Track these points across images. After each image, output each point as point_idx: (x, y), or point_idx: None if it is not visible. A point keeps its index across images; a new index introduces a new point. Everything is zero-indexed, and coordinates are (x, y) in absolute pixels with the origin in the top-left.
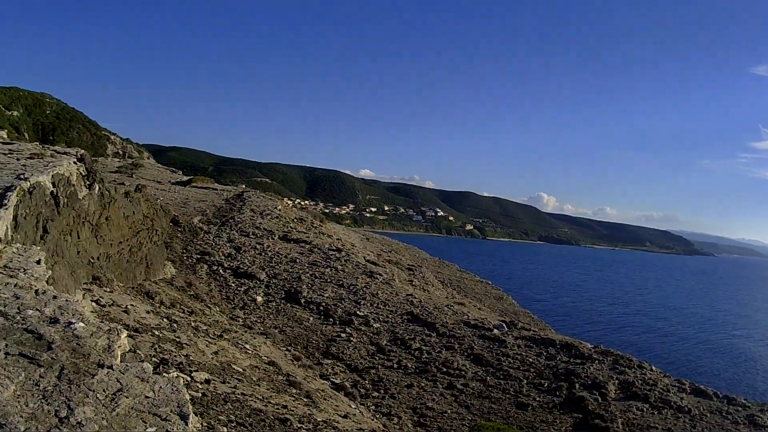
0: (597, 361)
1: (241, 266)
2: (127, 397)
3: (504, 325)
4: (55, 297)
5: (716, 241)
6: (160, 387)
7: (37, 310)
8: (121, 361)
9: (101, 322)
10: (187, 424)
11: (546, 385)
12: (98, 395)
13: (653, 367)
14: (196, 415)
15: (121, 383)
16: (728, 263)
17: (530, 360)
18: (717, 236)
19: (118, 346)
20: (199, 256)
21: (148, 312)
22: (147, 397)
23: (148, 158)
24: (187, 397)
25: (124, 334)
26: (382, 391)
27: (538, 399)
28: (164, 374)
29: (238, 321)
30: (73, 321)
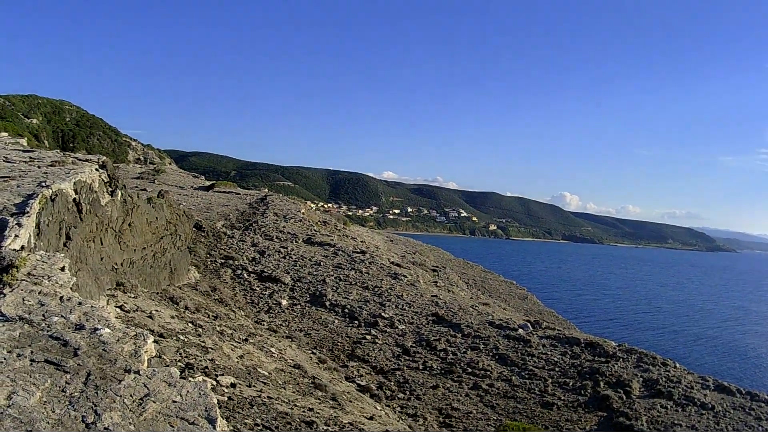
0: (621, 360)
1: (266, 270)
2: (154, 402)
3: (529, 324)
4: (80, 303)
5: (738, 237)
6: (188, 391)
7: (62, 316)
8: (147, 366)
9: (127, 327)
10: (215, 427)
11: (571, 384)
12: (125, 400)
13: (677, 365)
14: (223, 419)
15: (148, 388)
16: (750, 259)
17: (555, 359)
18: (739, 232)
19: (145, 351)
20: (223, 261)
21: (172, 317)
22: (174, 401)
23: (170, 164)
24: (215, 401)
25: (151, 339)
26: (407, 393)
27: (563, 398)
28: (190, 378)
29: (263, 325)
30: (99, 327)
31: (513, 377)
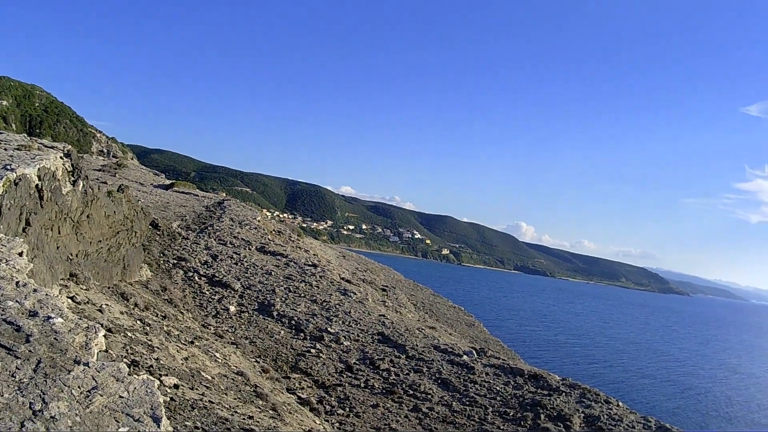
0: (564, 394)
1: (217, 275)
2: (101, 396)
3: (473, 351)
4: (35, 290)
5: (692, 281)
6: (135, 388)
7: (16, 301)
8: (97, 360)
9: (80, 318)
10: (159, 426)
11: (512, 414)
12: (73, 391)
13: (620, 403)
14: (167, 418)
15: (96, 381)
16: (702, 304)
17: (497, 388)
18: (693, 276)
19: (95, 344)
20: (175, 261)
21: (122, 313)
22: (121, 396)
23: (132, 159)
24: (161, 399)
25: (102, 332)
26: (347, 409)
27: (502, 427)
28: (137, 376)
29: (210, 329)
30: (52, 316)
31: (454, 403)
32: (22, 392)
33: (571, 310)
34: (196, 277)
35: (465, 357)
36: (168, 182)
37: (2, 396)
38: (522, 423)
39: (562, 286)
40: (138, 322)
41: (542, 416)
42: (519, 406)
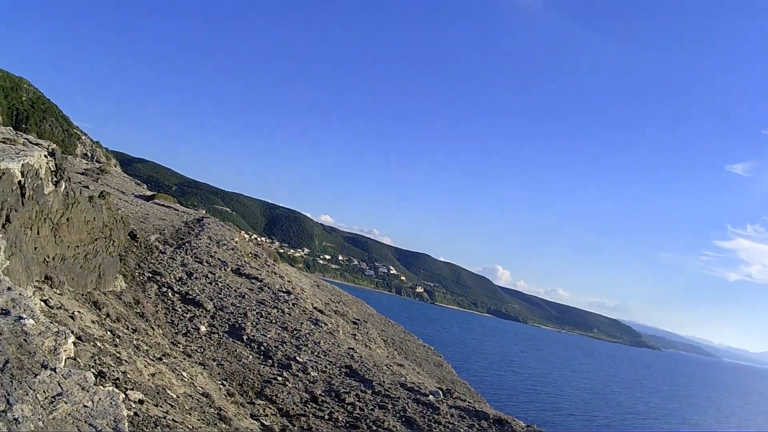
0: None
1: (190, 293)
2: (66, 403)
3: (440, 392)
4: (9, 288)
5: (665, 336)
6: (100, 399)
7: None
8: (64, 366)
9: (51, 322)
10: None
11: None
12: (38, 395)
13: None
14: None
15: (62, 387)
16: (672, 359)
17: (461, 430)
18: (666, 331)
19: (64, 350)
20: (150, 275)
21: (93, 322)
22: (86, 406)
23: (116, 166)
24: (125, 413)
25: (72, 339)
26: None
27: None
28: (102, 386)
29: (179, 347)
30: (24, 316)
31: None
32: None
33: (541, 357)
34: (170, 293)
35: (431, 397)
36: (149, 193)
37: None
38: None
39: (534, 333)
40: (108, 332)
41: None
42: None
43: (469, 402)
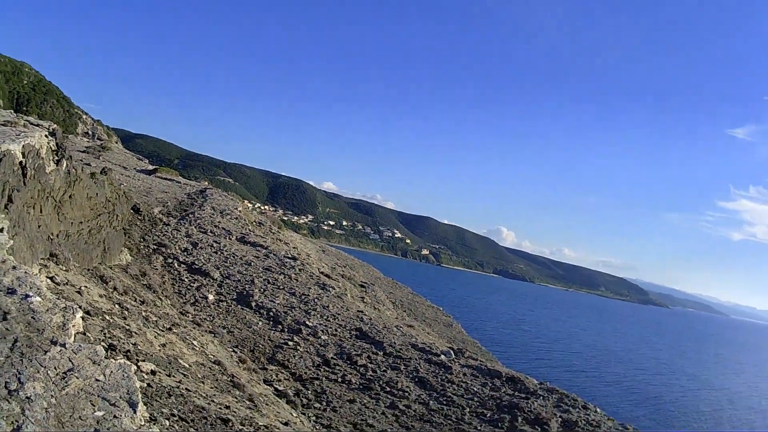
0: (542, 398)
1: (196, 262)
2: (77, 378)
3: (451, 351)
4: (14, 267)
5: (672, 294)
6: (111, 372)
7: None
8: (74, 341)
9: (57, 299)
10: (135, 412)
11: (488, 415)
12: (49, 372)
13: (598, 409)
14: (143, 404)
15: (72, 363)
16: (680, 316)
17: (475, 389)
18: (673, 288)
19: (73, 325)
20: (155, 247)
21: (100, 296)
22: (98, 380)
23: (117, 143)
24: (138, 385)
25: (80, 314)
26: (324, 403)
27: (479, 428)
28: (113, 359)
29: (188, 316)
30: (31, 294)
31: (431, 401)
32: None
33: (549, 316)
34: (176, 264)
35: (443, 357)
36: (151, 168)
37: None
38: (499, 425)
39: (541, 292)
40: (116, 305)
41: (519, 419)
42: (496, 408)
43: (480, 361)
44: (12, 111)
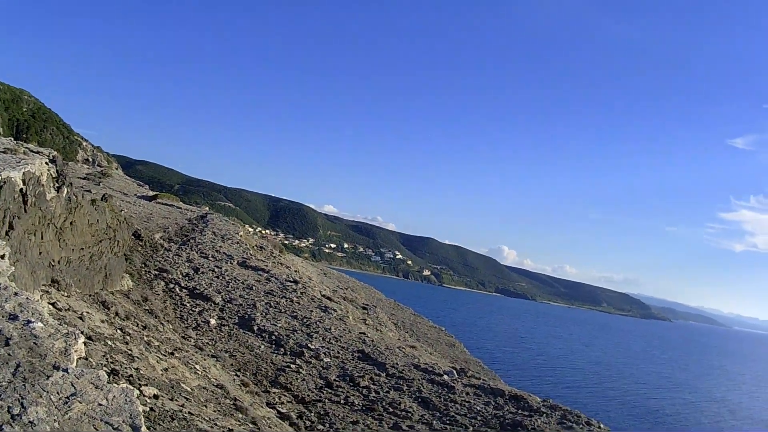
0: (545, 415)
1: (198, 287)
2: (80, 402)
3: (454, 371)
4: (16, 294)
5: (674, 307)
6: (114, 396)
7: None
8: (76, 366)
9: (60, 324)
10: None
11: None
12: (52, 397)
13: (601, 425)
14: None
15: (75, 388)
16: (683, 329)
17: (478, 408)
18: (675, 302)
19: (75, 351)
20: (157, 273)
21: (102, 321)
22: (100, 404)
23: (117, 169)
24: (140, 409)
25: (82, 339)
26: (327, 425)
27: None
28: (116, 384)
29: (190, 341)
30: (32, 320)
31: (434, 421)
32: (0, 396)
33: (552, 333)
34: (177, 289)
35: (445, 376)
36: (152, 194)
37: None
38: None
39: (543, 309)
40: (118, 331)
41: None
42: (500, 426)
43: (483, 380)
44: (12, 138)
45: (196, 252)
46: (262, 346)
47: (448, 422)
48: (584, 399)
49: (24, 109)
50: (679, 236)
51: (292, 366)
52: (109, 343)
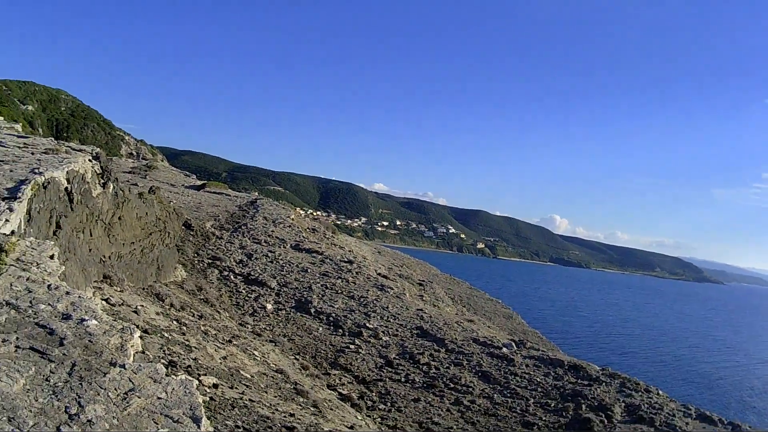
0: (604, 384)
1: (252, 273)
2: (138, 397)
3: (513, 343)
4: (68, 293)
5: (726, 269)
6: (173, 389)
7: (49, 305)
8: (133, 361)
9: (114, 320)
10: (199, 427)
11: (553, 405)
12: (110, 393)
13: (660, 392)
14: (206, 418)
15: (133, 383)
16: (738, 291)
17: (538, 379)
18: (727, 264)
19: (131, 346)
20: (210, 261)
21: (157, 313)
22: (159, 398)
23: (162, 161)
24: (200, 400)
25: (138, 333)
26: (388, 404)
27: (544, 418)
28: (174, 376)
29: (248, 327)
30: (86, 318)
31: (495, 395)
32: (57, 396)
33: (607, 301)
34: (232, 276)
35: (504, 349)
36: (199, 183)
37: (37, 401)
38: (563, 413)
39: (598, 277)
40: (174, 322)
41: (583, 406)
42: (560, 397)
43: (542, 351)
44: (52, 138)
45: (249, 238)
46: (321, 329)
47: (508, 395)
48: (640, 365)
49: (62, 108)
50: (725, 198)
51: (351, 346)
52: (166, 335)
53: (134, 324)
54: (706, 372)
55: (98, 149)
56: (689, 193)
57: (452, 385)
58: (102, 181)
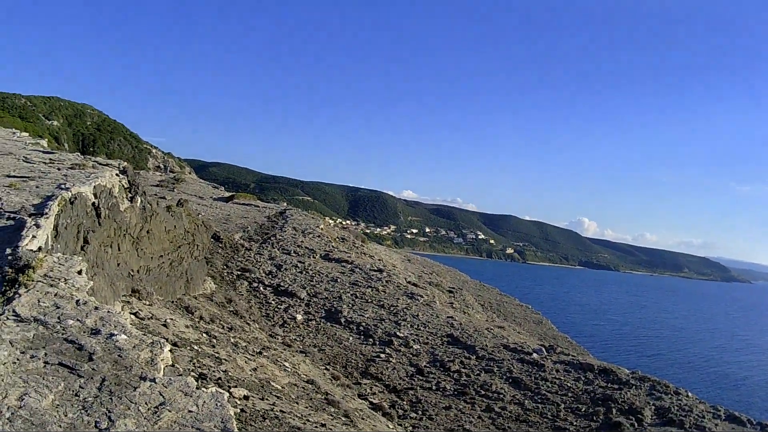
0: (634, 387)
1: (282, 284)
2: (169, 411)
3: (543, 349)
4: (96, 308)
5: (753, 268)
6: (204, 402)
7: (77, 320)
8: (163, 375)
9: (144, 334)
10: None
11: (583, 409)
12: (140, 408)
13: (689, 393)
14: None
15: (163, 397)
16: (763, 291)
17: (568, 384)
18: (754, 263)
19: (161, 359)
20: (239, 273)
21: (187, 326)
22: (190, 411)
23: (190, 173)
24: (231, 412)
25: (168, 347)
26: (420, 413)
27: (575, 423)
28: (205, 389)
29: (278, 338)
30: (115, 333)
31: (526, 401)
32: (87, 411)
33: (636, 303)
34: (261, 288)
35: (535, 355)
36: (228, 194)
37: (66, 416)
38: (594, 418)
39: (627, 279)
40: (204, 335)
41: (614, 410)
42: (590, 402)
43: (572, 355)
44: (78, 153)
45: (278, 249)
46: (351, 338)
47: (539, 401)
48: (668, 367)
49: (88, 123)
50: (751, 195)
51: (382, 355)
52: (196, 347)
53: (164, 337)
54: (733, 372)
55: (125, 163)
56: (714, 191)
57: (483, 392)
58: (129, 195)
